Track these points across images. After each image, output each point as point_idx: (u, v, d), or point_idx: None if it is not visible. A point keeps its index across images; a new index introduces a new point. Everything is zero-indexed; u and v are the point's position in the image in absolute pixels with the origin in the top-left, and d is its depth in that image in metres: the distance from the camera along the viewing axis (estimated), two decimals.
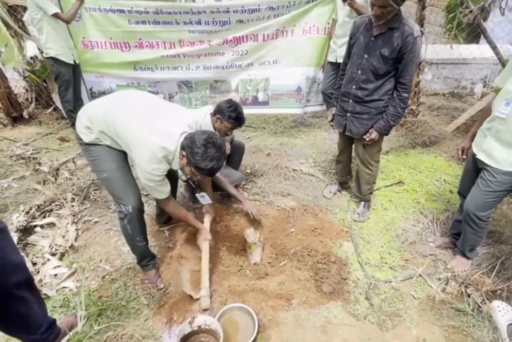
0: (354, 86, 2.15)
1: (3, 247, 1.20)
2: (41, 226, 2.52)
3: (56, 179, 3.04)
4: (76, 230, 2.50)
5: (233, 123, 2.26)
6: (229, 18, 3.35)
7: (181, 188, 2.80)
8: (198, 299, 1.84)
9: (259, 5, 3.28)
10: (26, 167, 3.21)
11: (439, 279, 1.90)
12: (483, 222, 1.81)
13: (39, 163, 3.27)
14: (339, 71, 2.39)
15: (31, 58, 4.36)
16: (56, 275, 2.13)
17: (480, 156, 1.75)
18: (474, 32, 3.63)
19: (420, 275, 1.94)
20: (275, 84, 3.78)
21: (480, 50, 4.66)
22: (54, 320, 1.57)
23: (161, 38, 3.49)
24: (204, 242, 2.00)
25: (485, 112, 1.82)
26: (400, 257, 2.13)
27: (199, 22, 3.37)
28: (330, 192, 2.82)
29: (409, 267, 2.03)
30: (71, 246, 2.34)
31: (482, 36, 3.77)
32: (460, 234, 2.01)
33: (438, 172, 3.12)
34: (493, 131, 1.67)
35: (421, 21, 3.54)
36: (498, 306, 1.66)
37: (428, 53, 3.86)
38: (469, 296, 1.76)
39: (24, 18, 3.79)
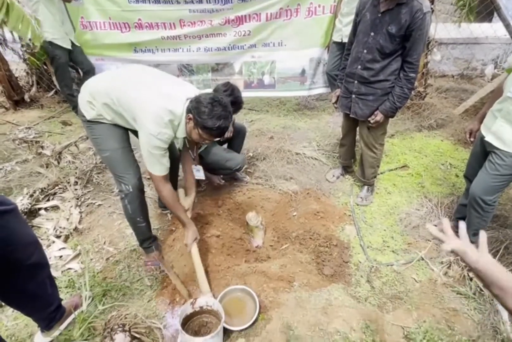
0: (359, 67, 2.08)
1: (14, 226, 1.23)
2: (45, 209, 2.55)
3: (59, 162, 3.05)
4: (80, 213, 2.53)
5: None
6: None
7: None
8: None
9: None
10: (29, 151, 3.21)
11: (442, 262, 1.90)
12: (489, 206, 1.78)
13: (42, 147, 3.27)
14: (345, 51, 2.31)
15: (30, 40, 4.27)
16: (61, 256, 2.17)
17: (489, 138, 1.70)
18: (487, 9, 3.46)
19: (422, 259, 1.94)
20: (281, 67, 3.68)
21: (492, 29, 4.47)
22: (61, 300, 1.61)
23: (161, 18, 3.38)
24: (194, 243, 1.83)
25: (496, 93, 1.75)
26: (402, 240, 2.13)
27: (200, 1, 3.25)
28: (333, 176, 2.80)
29: (412, 250, 2.03)
30: (75, 229, 2.37)
31: (495, 14, 3.60)
32: (465, 218, 1.98)
33: (444, 156, 3.06)
34: (504, 113, 1.61)
35: None
36: None
37: (437, 33, 3.70)
38: (471, 279, 1.76)
39: None
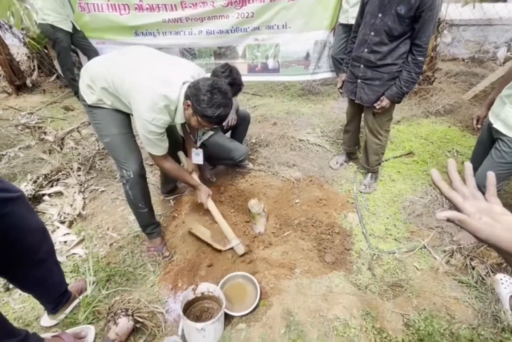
0: (366, 50, 2.00)
1: (21, 213, 1.24)
2: (49, 195, 2.56)
3: (61, 148, 3.04)
4: (83, 199, 2.54)
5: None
6: None
7: None
8: (227, 249, 1.92)
9: None
10: (31, 136, 3.21)
11: (444, 251, 1.88)
12: None
13: (45, 133, 3.26)
14: (351, 34, 2.22)
15: (22, 29, 4.19)
16: (65, 242, 2.19)
17: (497, 125, 1.65)
18: None
19: (425, 247, 1.92)
20: (285, 51, 3.58)
21: (507, 9, 4.28)
22: (67, 285, 1.65)
23: None
24: (208, 198, 2.01)
25: (506, 78, 1.68)
26: (405, 228, 2.11)
27: None
28: (337, 163, 2.76)
29: (414, 238, 2.02)
30: (79, 215, 2.39)
31: None
32: None
33: (451, 143, 3.00)
34: None
35: None
36: (501, 279, 1.65)
37: (448, 14, 3.56)
38: (473, 268, 1.75)
39: None
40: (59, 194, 2.59)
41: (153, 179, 2.67)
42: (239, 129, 2.68)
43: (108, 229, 2.28)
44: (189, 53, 3.70)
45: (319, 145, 3.03)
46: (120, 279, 1.88)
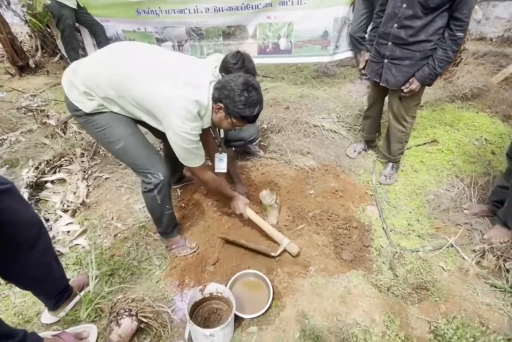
0: (395, 25, 1.78)
1: (12, 206, 1.13)
2: (52, 182, 2.47)
3: (64, 133, 2.93)
4: (87, 186, 2.44)
5: None
6: None
7: None
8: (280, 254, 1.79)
9: None
10: (34, 120, 3.09)
11: (474, 250, 1.72)
12: None
13: (47, 116, 3.14)
14: (377, 7, 1.99)
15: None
16: (68, 232, 2.10)
17: None
18: None
19: (452, 245, 1.76)
20: (299, 30, 3.32)
21: None
22: (68, 280, 1.56)
23: None
24: (246, 208, 1.86)
25: None
26: (430, 224, 1.95)
27: None
28: (355, 151, 2.58)
29: (440, 236, 1.86)
30: (83, 203, 2.30)
31: None
32: (502, 201, 1.78)
33: (479, 130, 2.78)
34: None
35: None
36: None
37: None
38: (507, 271, 1.59)
39: None
40: (62, 181, 2.49)
41: None
42: None
43: (112, 218, 2.19)
44: (195, 33, 3.48)
45: (335, 131, 2.85)
46: (124, 274, 1.79)
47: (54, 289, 1.49)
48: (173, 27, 3.43)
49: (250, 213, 1.86)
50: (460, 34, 1.65)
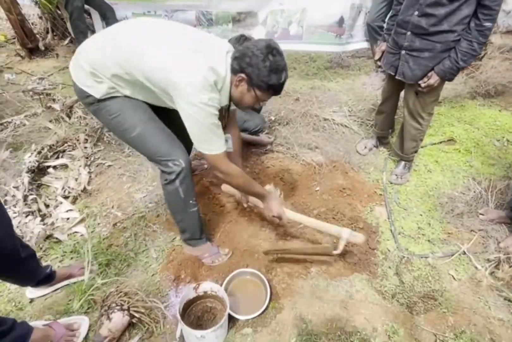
0: (416, 12, 1.64)
1: None
2: (54, 167, 2.44)
3: (69, 117, 2.89)
4: (89, 173, 2.41)
5: None
6: None
7: None
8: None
9: None
10: (40, 103, 3.05)
11: (488, 259, 1.62)
12: None
13: (53, 100, 3.10)
14: None
15: None
16: (68, 219, 2.07)
17: None
18: None
19: (464, 253, 1.67)
20: (313, 16, 3.15)
21: None
22: (48, 269, 1.54)
23: None
24: (283, 209, 1.61)
25: None
26: (441, 229, 1.85)
27: None
28: (365, 147, 2.48)
29: (452, 242, 1.76)
30: (84, 190, 2.26)
31: None
32: None
33: (501, 130, 2.63)
34: None
35: None
36: None
37: None
38: None
39: None
40: (64, 166, 2.46)
41: None
42: None
43: (112, 207, 2.15)
44: (205, 17, 3.35)
45: (345, 126, 2.74)
46: (121, 265, 1.75)
47: (29, 281, 1.49)
48: (183, 10, 3.31)
49: (290, 215, 1.61)
50: (488, 24, 1.51)
